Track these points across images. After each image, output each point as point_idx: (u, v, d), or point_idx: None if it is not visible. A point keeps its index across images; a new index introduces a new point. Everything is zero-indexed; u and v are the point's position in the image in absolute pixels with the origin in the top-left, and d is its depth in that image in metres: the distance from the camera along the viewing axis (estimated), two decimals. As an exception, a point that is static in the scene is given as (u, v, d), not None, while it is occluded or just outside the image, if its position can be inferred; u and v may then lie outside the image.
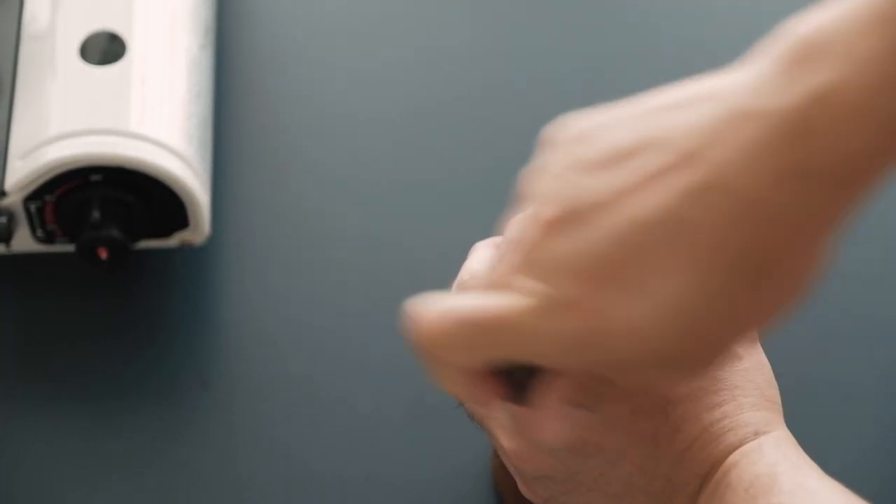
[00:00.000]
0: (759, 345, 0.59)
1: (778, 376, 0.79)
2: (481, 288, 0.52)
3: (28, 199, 0.77)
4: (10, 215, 0.77)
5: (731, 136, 0.46)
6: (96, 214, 0.77)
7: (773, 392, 0.58)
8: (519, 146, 0.88)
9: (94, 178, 0.77)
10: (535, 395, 0.52)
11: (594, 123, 0.50)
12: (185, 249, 0.82)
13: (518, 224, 0.63)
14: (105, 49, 0.80)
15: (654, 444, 0.57)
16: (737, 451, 0.56)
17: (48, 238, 0.79)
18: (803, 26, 0.45)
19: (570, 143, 0.51)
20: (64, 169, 0.76)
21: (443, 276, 0.64)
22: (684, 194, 0.46)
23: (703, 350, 0.48)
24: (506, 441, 0.60)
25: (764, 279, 0.47)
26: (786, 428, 0.58)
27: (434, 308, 0.52)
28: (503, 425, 0.60)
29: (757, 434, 0.56)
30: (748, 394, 0.57)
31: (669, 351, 0.48)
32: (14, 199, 0.77)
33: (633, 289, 0.47)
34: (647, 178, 0.47)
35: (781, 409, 0.59)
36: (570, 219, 0.48)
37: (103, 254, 0.78)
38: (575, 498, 0.59)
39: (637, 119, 0.49)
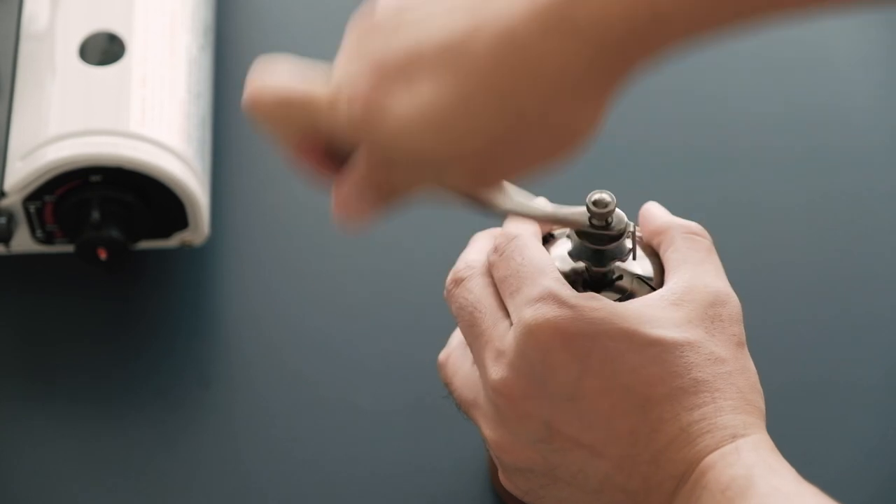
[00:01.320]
0: (745, 349, 0.59)
1: (777, 376, 0.79)
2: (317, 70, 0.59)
3: (27, 200, 0.77)
4: (10, 216, 0.77)
5: None
6: (96, 215, 0.77)
7: (755, 396, 0.58)
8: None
9: (94, 178, 0.77)
10: (340, 177, 0.58)
11: None
12: (185, 249, 0.82)
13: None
14: (104, 49, 0.80)
15: (632, 442, 0.57)
16: (714, 453, 0.56)
17: (48, 238, 0.79)
18: None
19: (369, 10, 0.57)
20: (63, 169, 0.76)
21: (443, 275, 0.64)
22: (469, 28, 0.52)
23: (460, 158, 0.54)
24: (488, 431, 0.60)
25: (525, 121, 0.52)
26: (765, 432, 0.58)
27: (258, 81, 0.59)
28: (486, 415, 0.60)
29: (735, 437, 0.56)
30: (728, 397, 0.57)
31: (427, 148, 0.53)
32: (13, 200, 0.77)
33: (404, 88, 0.53)
34: (445, 10, 0.53)
35: (763, 414, 0.58)
36: (380, 28, 0.55)
37: (103, 254, 0.78)
38: (553, 492, 0.60)
39: None
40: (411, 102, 0.53)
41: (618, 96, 0.54)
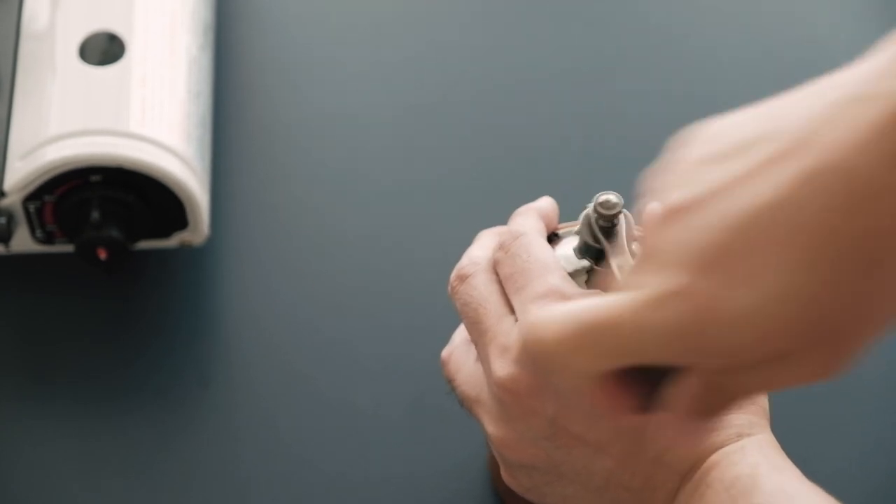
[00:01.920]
0: None
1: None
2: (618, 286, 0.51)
3: (27, 200, 0.77)
4: (10, 215, 0.77)
5: (844, 119, 0.45)
6: (96, 215, 0.77)
7: (760, 396, 0.58)
8: (518, 144, 0.88)
9: (94, 178, 0.77)
10: (661, 405, 0.51)
11: (716, 127, 0.50)
12: (185, 249, 0.81)
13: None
14: (104, 49, 0.80)
15: (636, 439, 0.57)
16: (718, 452, 0.56)
17: (47, 238, 0.79)
18: None
19: (692, 143, 0.50)
20: (63, 169, 0.76)
21: (444, 274, 0.64)
22: (796, 179, 0.45)
23: (820, 341, 0.46)
24: (491, 427, 0.60)
25: (877, 268, 0.45)
26: (770, 432, 0.58)
27: (537, 318, 0.51)
28: (489, 411, 0.60)
29: (740, 436, 0.56)
30: None
31: (783, 340, 0.46)
32: (13, 200, 0.77)
33: (741, 276, 0.46)
34: (760, 165, 0.46)
35: (768, 413, 0.59)
36: (685, 209, 0.48)
37: (103, 254, 0.78)
38: (556, 489, 0.60)
39: (756, 116, 0.49)
40: (752, 291, 0.45)
41: None
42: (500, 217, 0.66)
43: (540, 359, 0.51)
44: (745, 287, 0.45)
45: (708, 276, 0.46)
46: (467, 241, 0.65)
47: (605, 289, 0.60)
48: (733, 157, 0.48)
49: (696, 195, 0.48)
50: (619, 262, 0.59)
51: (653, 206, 0.64)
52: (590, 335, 0.49)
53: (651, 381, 0.51)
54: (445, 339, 0.66)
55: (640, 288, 0.48)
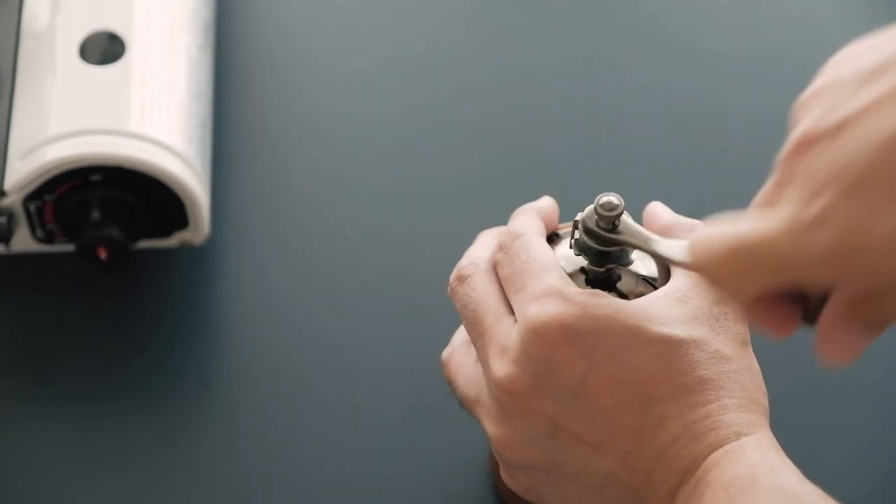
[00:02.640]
0: (749, 348, 0.59)
1: (777, 375, 0.79)
2: (752, 207, 0.51)
3: (28, 199, 0.77)
4: (10, 215, 0.77)
5: None
6: (96, 214, 0.77)
7: (759, 395, 0.58)
8: (518, 144, 0.88)
9: (94, 178, 0.77)
10: (821, 318, 0.51)
11: (853, 50, 0.50)
12: (185, 249, 0.81)
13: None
14: (105, 49, 0.80)
15: (636, 438, 0.57)
16: (718, 451, 0.56)
17: (48, 238, 0.79)
18: None
19: (830, 69, 0.51)
20: (63, 169, 0.76)
21: (443, 274, 0.64)
22: None
23: None
24: (490, 428, 0.60)
25: None
26: (769, 431, 0.58)
27: (700, 236, 0.51)
28: (489, 412, 0.60)
29: (739, 435, 0.56)
30: (733, 395, 0.57)
31: None
32: (14, 199, 0.77)
33: (882, 199, 0.46)
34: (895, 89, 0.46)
35: (767, 412, 0.58)
36: (822, 135, 0.48)
37: (103, 254, 0.78)
38: (556, 489, 0.60)
39: (890, 40, 0.49)
40: (894, 213, 0.45)
41: None
42: (500, 217, 0.66)
43: (704, 276, 0.52)
44: (888, 211, 0.45)
45: (856, 199, 0.46)
46: (467, 242, 0.65)
47: (632, 291, 0.61)
48: (874, 79, 0.48)
49: (838, 118, 0.48)
50: (663, 247, 0.59)
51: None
52: (750, 256, 0.50)
53: (803, 302, 0.51)
54: (445, 339, 0.66)
55: (786, 210, 0.48)
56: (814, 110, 0.49)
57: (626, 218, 0.60)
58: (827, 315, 0.51)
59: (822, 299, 0.52)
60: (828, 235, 0.47)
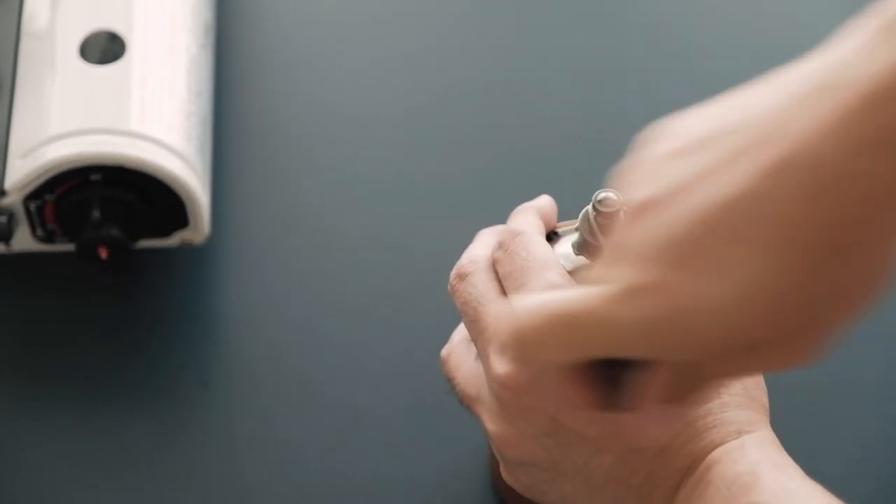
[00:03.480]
0: None
1: (777, 374, 0.79)
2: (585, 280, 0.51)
3: (28, 199, 0.77)
4: (10, 215, 0.77)
5: (812, 109, 0.45)
6: (96, 214, 0.77)
7: (760, 393, 0.58)
8: (518, 143, 0.88)
9: (94, 177, 0.77)
10: (630, 396, 0.51)
11: (682, 121, 0.50)
12: (185, 249, 0.82)
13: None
14: (105, 48, 0.80)
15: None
16: (719, 449, 0.56)
17: (48, 237, 0.79)
18: (893, 4, 0.44)
19: (659, 139, 0.51)
20: (64, 168, 0.76)
21: (443, 273, 0.64)
22: (763, 170, 0.45)
23: (792, 330, 0.46)
24: (491, 425, 0.60)
25: (846, 256, 0.45)
26: (770, 429, 0.58)
27: (524, 307, 0.51)
28: (490, 409, 0.60)
29: (740, 433, 0.56)
30: (734, 393, 0.57)
31: (754, 331, 0.46)
32: (14, 199, 0.77)
33: (711, 267, 0.46)
34: (727, 158, 0.46)
35: (768, 410, 0.58)
36: (652, 204, 0.48)
37: (103, 253, 0.78)
38: (557, 486, 0.60)
39: (722, 109, 0.49)
40: (722, 284, 0.45)
41: None
42: (500, 216, 0.66)
43: (513, 347, 0.51)
44: (715, 280, 0.45)
45: (678, 270, 0.46)
46: (467, 241, 0.65)
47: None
48: (699, 151, 0.48)
49: (664, 190, 0.48)
50: None
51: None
52: (560, 326, 0.49)
53: (618, 374, 0.51)
54: (445, 338, 0.66)
55: (610, 282, 0.48)
56: (643, 180, 0.49)
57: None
58: (648, 387, 0.50)
59: (623, 373, 0.51)
60: (648, 306, 0.47)
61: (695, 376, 0.50)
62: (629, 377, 0.51)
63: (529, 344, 0.51)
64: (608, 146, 0.88)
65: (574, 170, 0.87)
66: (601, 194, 0.60)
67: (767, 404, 0.59)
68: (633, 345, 0.48)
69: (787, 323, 0.46)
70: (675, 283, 0.46)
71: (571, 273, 0.60)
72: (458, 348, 0.64)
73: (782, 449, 0.57)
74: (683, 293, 0.46)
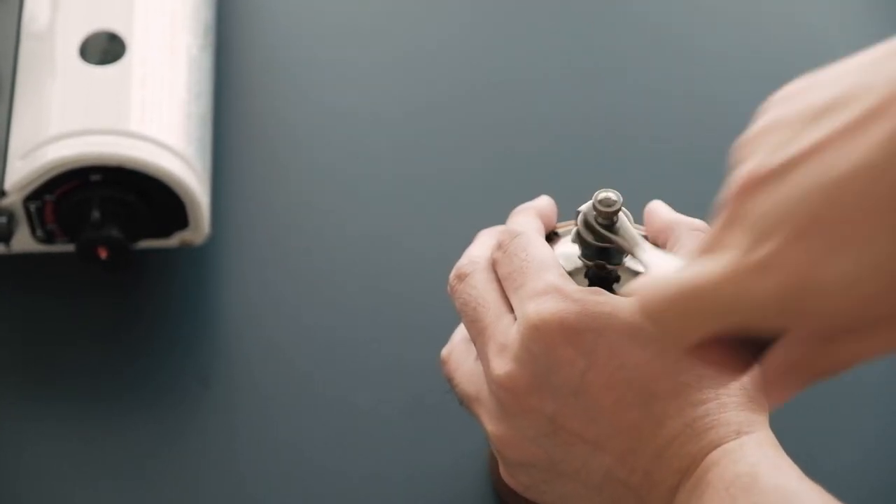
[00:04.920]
0: None
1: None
2: (699, 251, 0.50)
3: (28, 199, 0.77)
4: (10, 215, 0.77)
5: None
6: (96, 214, 0.77)
7: (759, 394, 0.58)
8: (518, 144, 0.88)
9: (94, 178, 0.77)
10: (765, 363, 0.50)
11: (800, 86, 0.49)
12: (185, 249, 0.82)
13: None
14: (105, 49, 0.80)
15: (636, 436, 0.57)
16: (718, 450, 0.56)
17: (48, 238, 0.79)
18: None
19: (776, 106, 0.50)
20: (64, 169, 0.76)
21: (443, 273, 0.64)
22: (885, 141, 0.44)
23: None
24: (490, 426, 0.60)
25: None
26: (769, 430, 0.58)
27: (646, 283, 0.51)
28: (489, 410, 0.60)
29: (739, 433, 0.56)
30: (732, 394, 0.57)
31: (879, 307, 0.45)
32: (14, 199, 0.77)
33: (833, 242, 0.45)
34: (848, 128, 0.45)
35: (767, 411, 0.58)
36: (770, 175, 0.47)
37: (103, 254, 0.78)
38: (555, 487, 0.60)
39: (840, 76, 0.48)
40: (847, 258, 0.45)
41: None
42: (500, 217, 0.66)
43: (649, 322, 0.50)
44: (840, 254, 0.45)
45: (803, 243, 0.45)
46: (467, 241, 0.65)
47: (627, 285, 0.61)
48: (822, 117, 0.47)
49: (786, 157, 0.47)
50: (648, 256, 0.59)
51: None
52: (693, 301, 0.49)
53: (749, 346, 0.51)
54: (445, 338, 0.66)
55: (732, 253, 0.48)
56: (760, 149, 0.48)
57: (624, 218, 0.60)
58: (775, 357, 0.50)
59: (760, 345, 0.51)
60: (775, 280, 0.46)
61: (827, 354, 0.48)
62: (758, 351, 0.51)
63: (656, 316, 0.50)
64: (608, 146, 0.89)
65: (574, 170, 0.87)
66: (601, 193, 0.60)
67: (767, 405, 0.59)
68: (765, 315, 0.47)
69: None
70: (803, 257, 0.46)
71: (571, 273, 0.60)
72: (458, 348, 0.64)
73: (781, 450, 0.57)
74: (811, 267, 0.45)
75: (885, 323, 0.46)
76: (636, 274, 0.62)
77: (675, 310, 0.49)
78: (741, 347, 0.50)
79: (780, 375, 0.49)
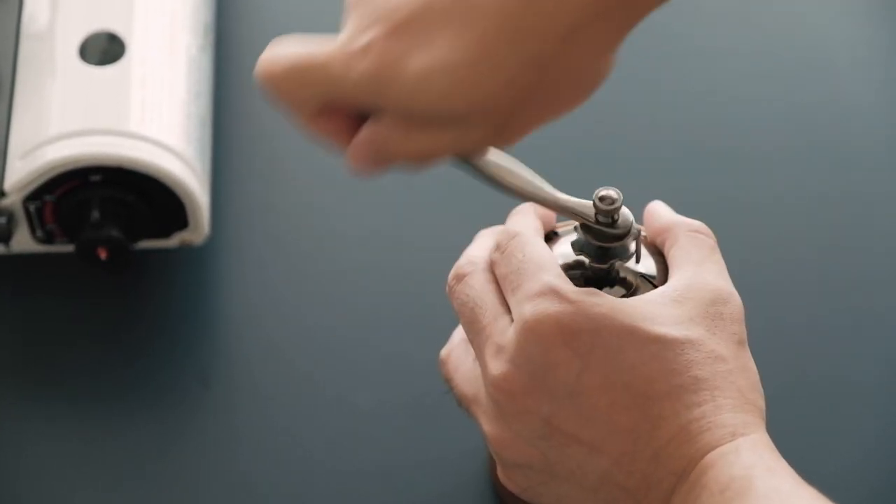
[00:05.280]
0: (746, 348, 0.59)
1: (775, 375, 0.79)
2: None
3: (28, 199, 0.77)
4: (10, 215, 0.77)
5: None
6: (96, 214, 0.77)
7: (756, 396, 0.58)
8: (518, 144, 0.87)
9: (94, 178, 0.77)
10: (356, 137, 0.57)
11: None
12: (185, 249, 0.82)
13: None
14: (104, 49, 0.80)
15: (632, 439, 0.57)
16: (713, 452, 0.56)
17: (48, 238, 0.79)
18: None
19: None
20: (63, 169, 0.76)
21: (443, 273, 0.64)
22: None
23: (486, 113, 0.54)
24: (487, 426, 0.60)
25: (542, 70, 0.53)
26: (765, 432, 0.57)
27: (269, 53, 0.57)
28: (486, 411, 0.60)
29: (734, 436, 0.56)
30: (728, 395, 0.57)
31: (446, 103, 0.53)
32: (14, 199, 0.77)
33: (419, 40, 0.53)
34: None
35: (763, 413, 0.58)
36: None
37: (103, 254, 0.78)
38: (552, 488, 0.60)
39: None
40: (428, 56, 0.53)
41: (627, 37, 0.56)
42: (500, 217, 0.66)
43: (267, 88, 0.57)
44: (421, 52, 0.53)
45: (395, 37, 0.53)
46: (467, 241, 0.65)
47: (630, 289, 0.61)
48: None
49: None
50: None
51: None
52: (307, 73, 0.56)
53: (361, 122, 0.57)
54: (445, 338, 0.66)
55: (342, 36, 0.55)
56: None
57: (627, 212, 0.60)
58: (363, 130, 0.56)
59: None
60: (369, 64, 0.53)
61: (410, 138, 0.55)
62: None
63: (273, 84, 0.57)
64: (608, 146, 0.88)
65: (574, 170, 0.87)
66: (601, 191, 0.60)
67: (763, 407, 0.59)
68: (359, 95, 0.55)
69: (483, 105, 0.53)
70: (387, 49, 0.53)
71: (569, 274, 0.60)
72: (457, 349, 0.64)
73: (777, 452, 0.57)
74: (392, 59, 0.53)
75: (454, 124, 0.54)
76: (636, 274, 0.62)
77: (291, 79, 0.56)
78: (355, 121, 0.56)
79: (362, 145, 0.56)
